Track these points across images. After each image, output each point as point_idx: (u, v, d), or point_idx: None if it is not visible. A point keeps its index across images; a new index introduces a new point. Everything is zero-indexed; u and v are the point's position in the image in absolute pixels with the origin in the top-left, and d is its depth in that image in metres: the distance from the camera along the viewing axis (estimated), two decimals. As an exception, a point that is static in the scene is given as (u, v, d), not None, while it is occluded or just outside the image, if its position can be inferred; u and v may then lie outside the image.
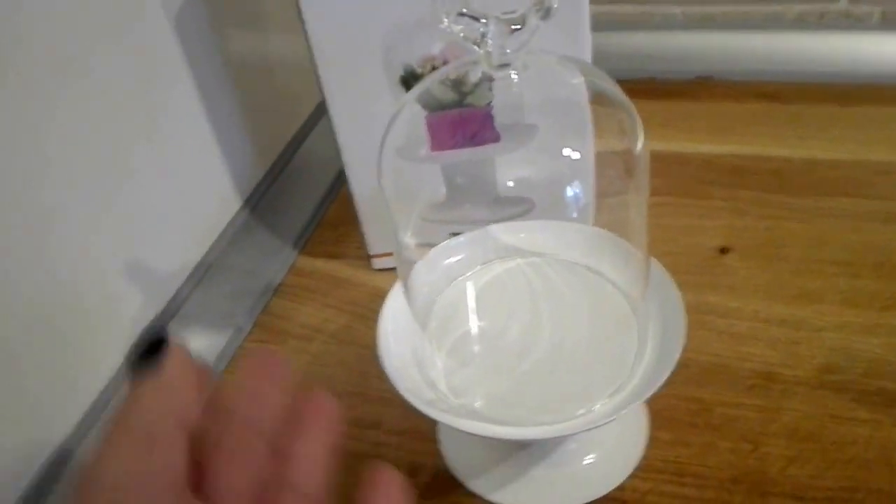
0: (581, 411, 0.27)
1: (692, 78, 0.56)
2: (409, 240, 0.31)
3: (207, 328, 0.42)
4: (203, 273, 0.45)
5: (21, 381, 0.33)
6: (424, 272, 0.31)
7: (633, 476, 0.32)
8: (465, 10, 0.25)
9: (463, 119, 0.39)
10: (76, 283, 0.36)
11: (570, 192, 0.40)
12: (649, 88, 0.55)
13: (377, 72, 0.37)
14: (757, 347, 0.36)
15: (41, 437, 0.34)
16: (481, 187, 0.41)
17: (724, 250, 0.42)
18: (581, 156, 0.39)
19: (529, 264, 0.33)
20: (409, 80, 0.37)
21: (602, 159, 0.33)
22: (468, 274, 0.33)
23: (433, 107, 0.38)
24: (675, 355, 0.28)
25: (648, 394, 0.27)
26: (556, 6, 0.26)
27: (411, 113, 0.38)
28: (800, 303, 0.38)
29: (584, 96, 0.37)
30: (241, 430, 0.21)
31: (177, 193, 0.43)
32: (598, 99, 0.30)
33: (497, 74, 0.27)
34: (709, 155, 0.48)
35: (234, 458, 0.20)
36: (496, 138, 0.39)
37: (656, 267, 0.31)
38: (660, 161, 0.49)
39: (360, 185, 0.41)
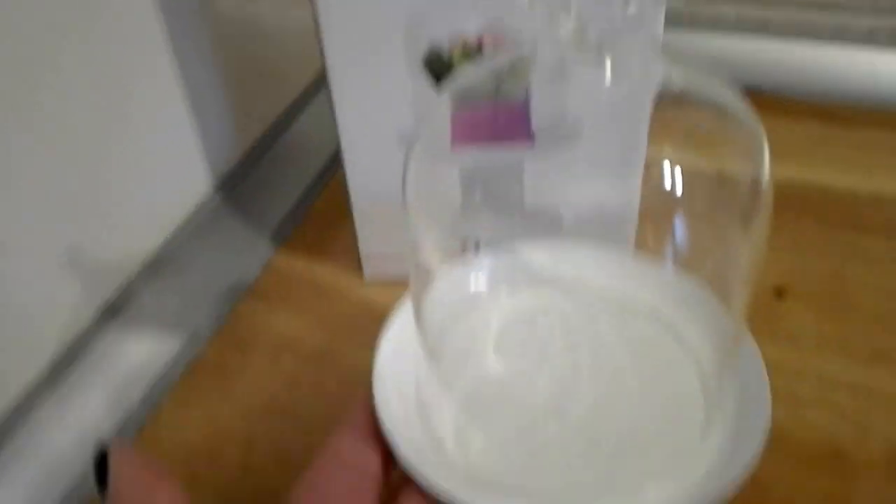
0: (621, 498, 0.21)
1: (739, 88, 0.49)
2: (428, 252, 0.24)
3: (159, 332, 0.35)
4: (160, 266, 0.38)
5: None
6: (439, 293, 0.24)
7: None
8: None
9: (493, 112, 0.32)
10: (5, 273, 0.29)
11: (611, 216, 0.34)
12: (690, 97, 0.49)
13: (395, 48, 0.30)
14: (821, 416, 0.30)
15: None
16: (504, 197, 0.34)
17: (780, 293, 0.35)
18: (630, 174, 0.33)
19: (570, 299, 0.26)
20: (433, 62, 0.30)
21: (701, 187, 0.26)
22: (491, 303, 0.26)
23: (459, 94, 0.31)
24: (756, 446, 0.21)
25: (717, 492, 0.20)
26: None
27: (432, 102, 0.32)
28: (873, 364, 0.32)
29: (648, 101, 0.30)
30: None
31: (135, 168, 0.36)
32: (710, 110, 0.23)
33: (583, 62, 0.20)
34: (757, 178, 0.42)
35: None
36: (530, 139, 0.32)
37: (747, 342, 0.24)
38: (706, 181, 0.43)
39: (359, 175, 0.34)
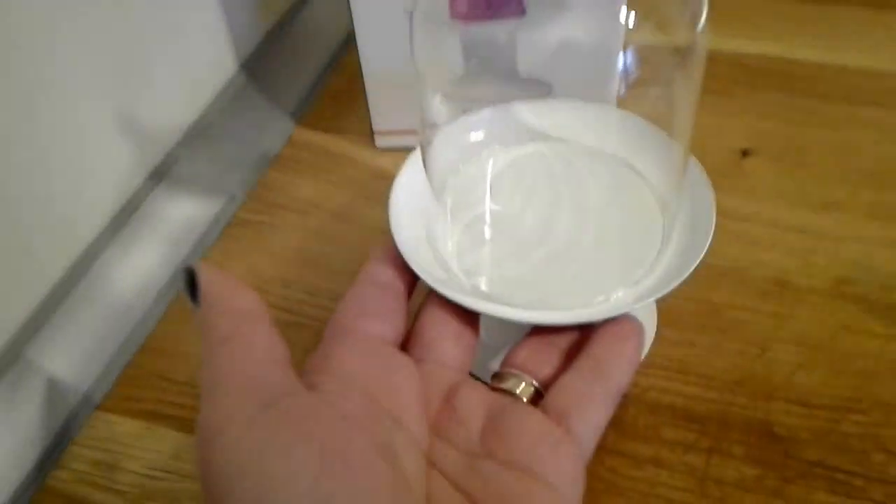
0: (598, 299, 0.26)
1: (724, -29, 0.52)
2: (435, 109, 0.28)
3: (199, 195, 0.40)
4: (195, 138, 0.42)
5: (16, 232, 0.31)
6: (444, 144, 0.29)
7: (636, 372, 0.31)
8: None
9: (488, -14, 0.36)
10: (62, 141, 0.33)
11: (591, 75, 0.38)
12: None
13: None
14: (772, 254, 0.35)
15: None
16: (500, 64, 0.38)
17: (745, 153, 0.40)
18: (608, 35, 0.37)
19: (552, 149, 0.31)
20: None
21: (649, 41, 0.30)
22: (487, 153, 0.31)
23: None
24: (700, 254, 0.26)
25: (669, 288, 0.26)
26: None
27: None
28: (821, 212, 0.37)
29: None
30: None
31: (173, 46, 0.40)
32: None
33: None
34: (737, 52, 0.46)
35: None
36: (521, 12, 0.36)
37: (693, 165, 0.29)
38: (650, 31, 0.46)
39: (370, 48, 0.38)
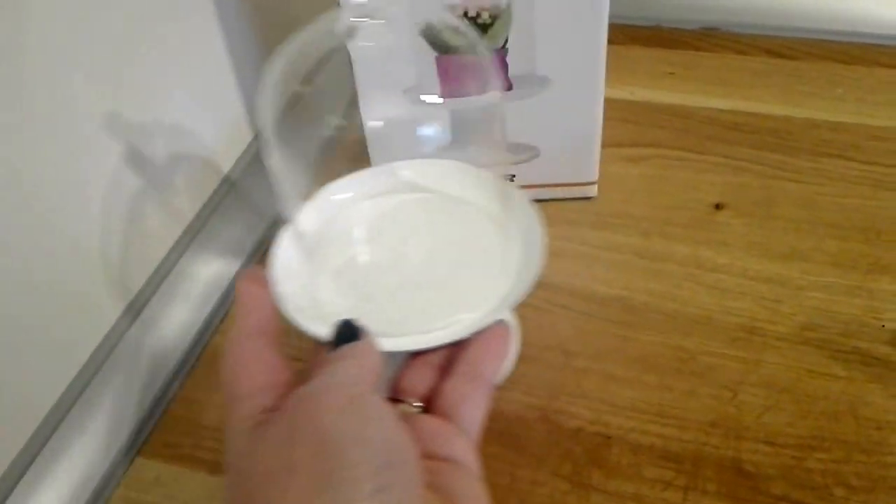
0: (457, 320, 0.29)
1: (698, 28, 0.56)
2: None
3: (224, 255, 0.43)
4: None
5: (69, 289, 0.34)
6: (314, 209, 0.33)
7: (618, 414, 0.34)
8: None
9: (475, 64, 0.39)
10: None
11: (575, 138, 0.41)
12: (654, 36, 0.56)
13: (400, 21, 0.37)
14: (743, 302, 0.38)
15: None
16: (488, 133, 0.42)
17: (719, 206, 0.43)
18: (591, 105, 0.40)
19: (414, 199, 0.35)
20: (430, 32, 0.38)
21: None
22: (353, 209, 0.35)
23: (442, 49, 0.39)
24: (533, 273, 0.30)
25: (505, 309, 0.29)
26: None
27: (419, 53, 0.39)
28: (788, 262, 0.40)
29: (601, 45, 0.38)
30: None
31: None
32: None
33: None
34: (711, 109, 0.49)
35: None
36: (508, 87, 0.40)
37: (521, 198, 0.33)
38: (662, 112, 0.50)
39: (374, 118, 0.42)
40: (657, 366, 0.36)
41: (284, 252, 0.32)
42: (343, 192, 0.35)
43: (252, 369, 0.25)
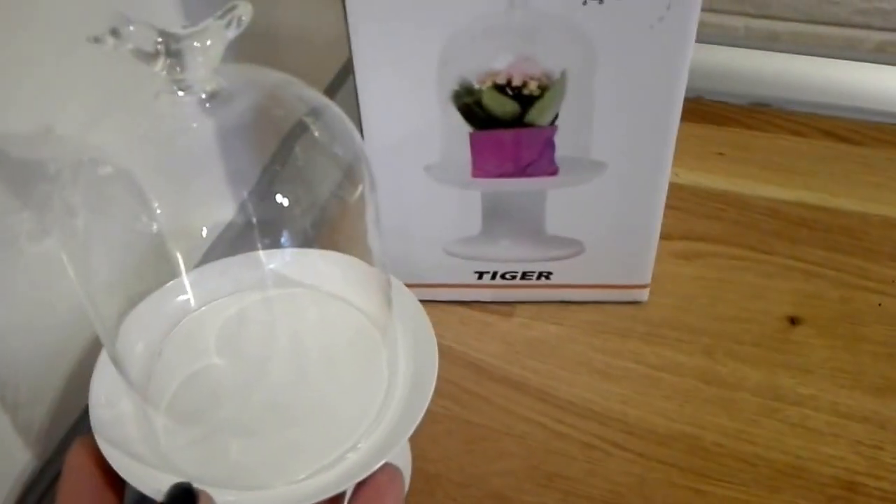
0: (312, 470, 0.22)
1: (746, 104, 0.50)
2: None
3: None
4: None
5: None
6: (141, 321, 0.26)
7: None
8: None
9: (518, 142, 0.32)
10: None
11: (629, 234, 0.34)
12: (697, 109, 0.49)
13: (428, 83, 0.30)
14: (836, 448, 0.31)
15: None
16: (526, 223, 0.34)
17: (794, 321, 0.36)
18: (651, 195, 0.33)
19: (275, 297, 0.28)
20: (462, 96, 0.30)
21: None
22: (197, 313, 0.27)
23: (482, 122, 0.31)
24: (426, 396, 0.23)
25: (395, 446, 0.22)
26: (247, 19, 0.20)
27: (450, 127, 0.32)
28: (884, 396, 0.33)
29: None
30: None
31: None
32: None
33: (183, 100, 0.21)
34: (772, 200, 0.42)
35: None
36: (553, 171, 0.33)
37: (404, 293, 0.27)
38: (714, 199, 0.43)
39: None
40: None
41: (106, 386, 0.24)
42: (184, 291, 0.27)
43: None
